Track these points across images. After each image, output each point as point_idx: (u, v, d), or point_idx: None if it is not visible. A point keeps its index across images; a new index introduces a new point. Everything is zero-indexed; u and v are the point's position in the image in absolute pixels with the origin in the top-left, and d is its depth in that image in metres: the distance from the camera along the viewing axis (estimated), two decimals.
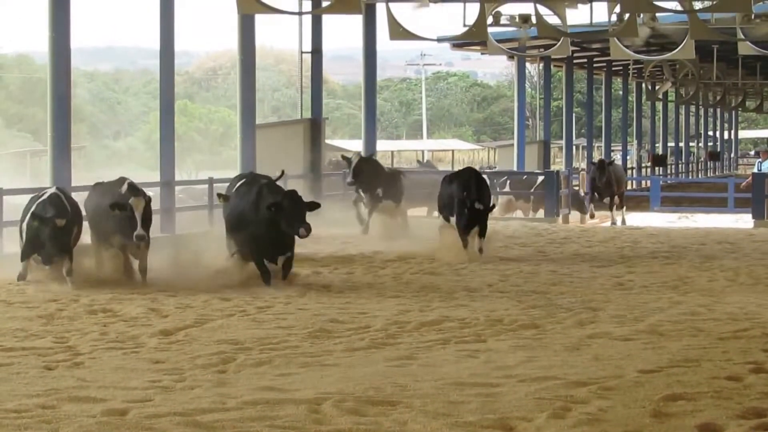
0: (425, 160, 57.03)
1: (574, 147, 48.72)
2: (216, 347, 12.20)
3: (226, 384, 10.37)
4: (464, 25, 26.49)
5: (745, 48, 31.69)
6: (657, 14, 28.26)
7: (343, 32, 35.24)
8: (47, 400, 9.55)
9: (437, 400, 10.07)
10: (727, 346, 13.11)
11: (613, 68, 51.07)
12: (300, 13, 27.20)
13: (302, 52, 29.36)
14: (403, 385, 10.71)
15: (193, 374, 10.87)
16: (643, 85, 55.58)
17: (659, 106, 60.94)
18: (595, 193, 30.61)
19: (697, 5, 25.81)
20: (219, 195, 20.15)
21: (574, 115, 49.43)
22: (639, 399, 10.11)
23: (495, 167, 46.56)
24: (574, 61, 45.44)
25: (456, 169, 29.15)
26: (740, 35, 29.71)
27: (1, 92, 52.63)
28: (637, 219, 33.48)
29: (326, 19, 29.74)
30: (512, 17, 27.70)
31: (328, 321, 14.49)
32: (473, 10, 25.78)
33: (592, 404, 9.84)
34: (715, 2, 25.87)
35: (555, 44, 32.01)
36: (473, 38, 29.33)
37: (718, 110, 68.36)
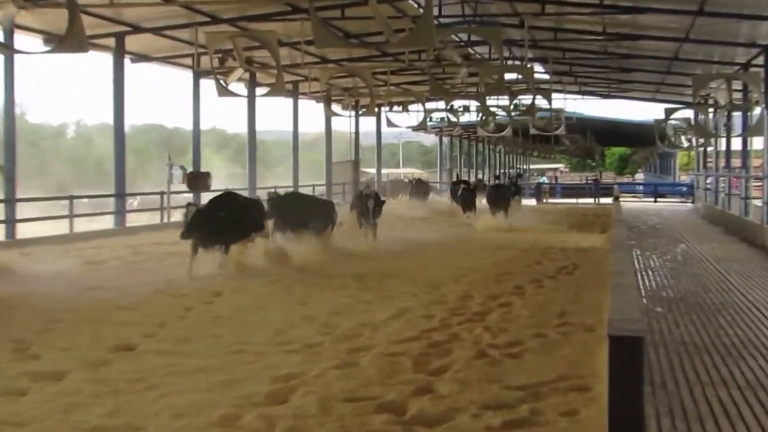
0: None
1: (463, 172, 62.06)
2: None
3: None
4: (417, 121, 36.94)
5: (533, 130, 41.51)
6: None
7: (367, 123, 45.91)
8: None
9: (408, 274, 14.52)
10: (527, 254, 17.98)
11: (478, 139, 65.15)
12: (350, 116, 36.93)
13: (351, 132, 39.33)
14: (400, 269, 15.17)
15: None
16: (491, 146, 71.46)
17: (497, 154, 77.22)
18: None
19: (513, 113, 34.00)
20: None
21: (462, 158, 65.81)
22: (490, 274, 14.53)
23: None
24: (462, 136, 60.48)
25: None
26: (530, 125, 38.45)
27: (227, 150, 69.61)
28: None
29: (361, 118, 39.48)
30: (437, 118, 39.10)
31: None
32: (421, 115, 36.26)
33: (469, 276, 14.26)
34: (519, 112, 33.73)
35: (454, 129, 44.85)
36: (420, 127, 39.02)
37: (522, 156, 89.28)
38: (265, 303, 11.62)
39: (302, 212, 17.20)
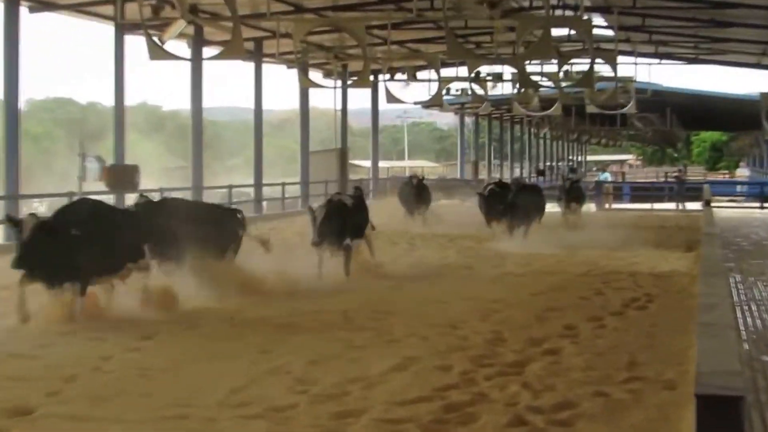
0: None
1: (492, 165, 68.76)
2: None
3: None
4: (429, 95, 37.71)
5: (591, 108, 42.79)
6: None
7: (359, 98, 48.09)
8: None
9: (415, 309, 14.61)
10: (582, 281, 18.12)
11: (515, 120, 68.89)
12: (335, 87, 37.42)
13: (336, 110, 40.25)
14: (404, 302, 15.35)
15: None
16: (531, 129, 75.49)
17: (541, 141, 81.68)
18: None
19: (563, 83, 34.07)
20: None
21: (492, 146, 69.77)
22: (530, 309, 14.57)
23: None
24: (492, 115, 63.70)
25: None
26: (587, 101, 39.39)
27: (162, 133, 74.37)
28: None
29: (349, 90, 41.87)
30: (457, 90, 39.91)
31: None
32: (435, 86, 36.16)
33: (502, 313, 14.28)
34: (573, 82, 34.08)
35: (481, 106, 45.33)
36: (434, 102, 40.61)
37: (575, 143, 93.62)
38: (216, 350, 11.63)
39: (187, 230, 15.77)
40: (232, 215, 18.43)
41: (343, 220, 18.70)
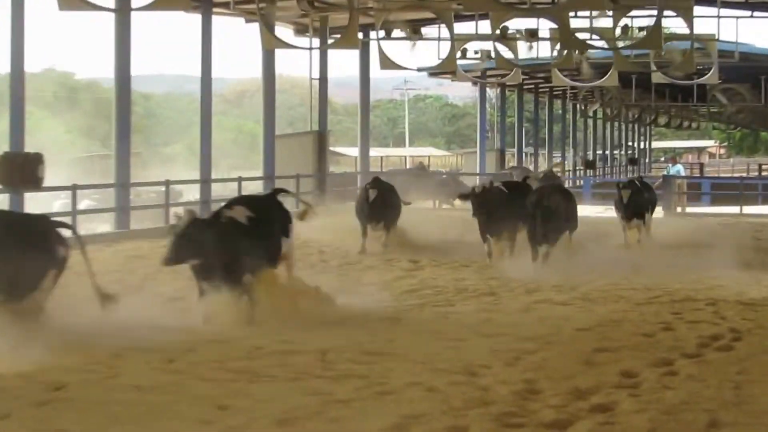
0: None
1: (524, 154, 69.22)
2: None
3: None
4: (438, 58, 37.50)
5: (657, 77, 43.02)
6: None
7: (343, 63, 47.93)
8: None
9: (418, 350, 14.57)
10: (644, 311, 18.23)
11: (554, 92, 69.91)
12: (310, 48, 37.55)
13: (312, 79, 41.11)
14: (404, 340, 15.36)
15: None
16: (577, 105, 76.07)
17: (590, 122, 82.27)
18: None
19: (620, 44, 33.87)
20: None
21: (524, 129, 69.68)
22: (574, 350, 14.62)
23: None
24: (524, 86, 64.62)
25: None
26: (653, 67, 39.38)
27: (76, 109, 72.56)
28: None
29: (330, 53, 41.45)
30: (476, 52, 40.32)
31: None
32: (446, 46, 36.23)
33: (537, 355, 14.28)
34: (634, 41, 34.15)
35: (509, 73, 45.46)
36: (445, 69, 41.73)
37: (636, 125, 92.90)
38: (150, 405, 11.64)
39: None
40: (47, 231, 16.30)
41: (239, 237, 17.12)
